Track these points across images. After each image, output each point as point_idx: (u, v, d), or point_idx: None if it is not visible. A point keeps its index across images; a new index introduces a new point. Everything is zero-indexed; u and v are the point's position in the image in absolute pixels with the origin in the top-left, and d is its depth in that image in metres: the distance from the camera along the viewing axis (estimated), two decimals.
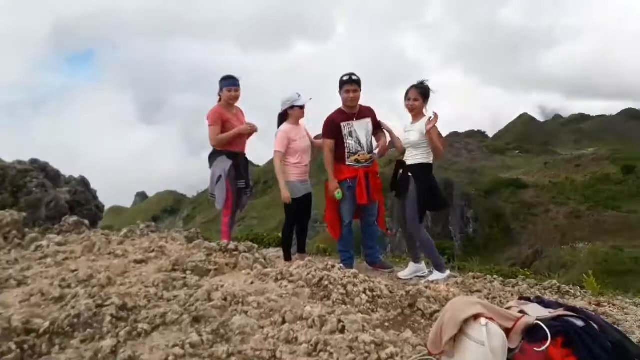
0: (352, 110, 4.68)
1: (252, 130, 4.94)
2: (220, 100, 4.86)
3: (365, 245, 5.07)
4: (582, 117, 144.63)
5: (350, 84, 4.58)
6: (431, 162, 4.42)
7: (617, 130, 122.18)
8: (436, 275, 4.40)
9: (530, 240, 53.83)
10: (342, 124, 4.64)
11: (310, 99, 4.86)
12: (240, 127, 4.80)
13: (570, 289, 4.36)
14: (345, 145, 4.63)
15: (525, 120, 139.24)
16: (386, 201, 5.14)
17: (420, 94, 4.36)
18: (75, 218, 4.38)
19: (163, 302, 2.58)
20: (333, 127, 4.66)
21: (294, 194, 4.77)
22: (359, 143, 4.65)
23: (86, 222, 4.36)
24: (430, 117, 4.22)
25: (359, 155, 4.63)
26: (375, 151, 4.78)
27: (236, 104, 4.97)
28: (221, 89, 4.82)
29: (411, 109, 4.41)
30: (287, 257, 4.87)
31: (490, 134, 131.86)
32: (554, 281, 4.47)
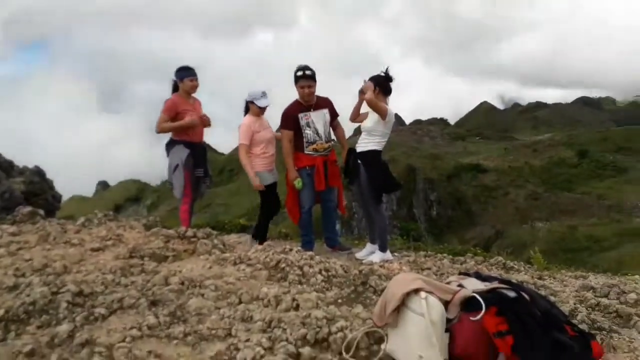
0: (309, 102, 4.76)
1: (202, 123, 4.91)
2: (174, 90, 4.84)
3: (325, 229, 5.21)
4: (538, 105, 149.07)
5: (305, 79, 4.64)
6: (380, 149, 4.60)
7: (572, 117, 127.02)
8: (378, 255, 4.61)
9: (491, 221, 55.61)
10: (300, 115, 4.73)
11: (269, 105, 4.88)
12: (188, 119, 4.72)
13: (515, 264, 4.64)
14: (304, 135, 4.73)
15: (485, 108, 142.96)
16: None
17: (373, 83, 4.51)
18: (29, 208, 4.30)
19: (120, 287, 2.62)
20: (291, 119, 4.74)
21: (263, 182, 4.84)
22: (317, 133, 4.75)
23: (41, 212, 4.29)
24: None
25: (317, 145, 4.74)
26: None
27: (193, 95, 4.95)
28: (181, 79, 4.79)
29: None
30: (263, 240, 4.88)
31: (452, 122, 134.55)
32: (500, 258, 4.75)
